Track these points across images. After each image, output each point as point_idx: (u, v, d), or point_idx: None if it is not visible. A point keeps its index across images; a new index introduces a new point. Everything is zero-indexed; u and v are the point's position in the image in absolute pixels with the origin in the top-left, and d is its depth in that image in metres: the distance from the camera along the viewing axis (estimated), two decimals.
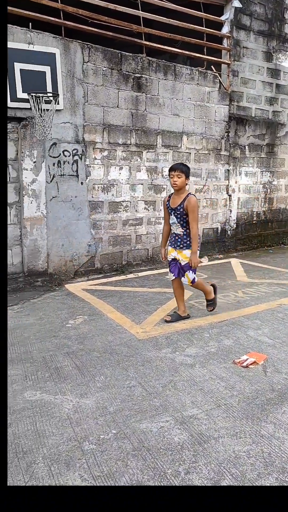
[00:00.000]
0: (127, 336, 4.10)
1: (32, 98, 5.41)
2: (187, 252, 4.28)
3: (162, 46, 7.01)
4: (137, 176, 6.92)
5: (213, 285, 4.64)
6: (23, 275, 5.87)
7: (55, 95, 5.59)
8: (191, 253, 4.24)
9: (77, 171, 6.24)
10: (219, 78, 7.78)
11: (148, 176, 7.06)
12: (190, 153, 7.53)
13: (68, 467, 2.33)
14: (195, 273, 4.36)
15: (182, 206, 4.16)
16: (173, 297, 5.30)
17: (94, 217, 6.50)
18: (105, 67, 6.37)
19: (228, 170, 8.15)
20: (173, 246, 4.37)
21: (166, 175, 7.27)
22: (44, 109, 5.48)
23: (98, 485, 2.20)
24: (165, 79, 7.02)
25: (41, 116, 5.50)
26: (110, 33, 6.44)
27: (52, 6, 5.85)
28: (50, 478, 2.24)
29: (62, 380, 3.25)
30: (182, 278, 4.38)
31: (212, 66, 7.78)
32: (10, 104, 5.47)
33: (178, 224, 4.27)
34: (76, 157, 6.23)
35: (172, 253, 4.38)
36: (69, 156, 6.14)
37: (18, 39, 5.50)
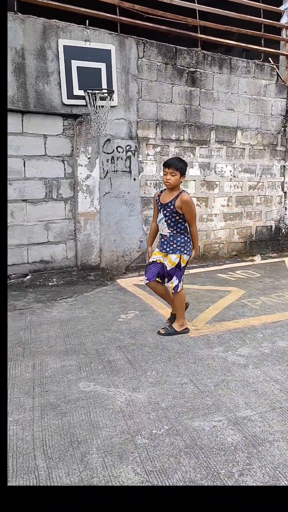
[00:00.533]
0: None
1: (88, 95, 5.50)
2: (173, 257, 3.85)
3: (217, 39, 6.88)
4: (190, 172, 6.84)
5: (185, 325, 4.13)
6: (76, 269, 6.00)
7: (110, 91, 5.65)
8: (193, 250, 3.95)
9: (130, 167, 6.28)
10: (277, 70, 7.52)
11: (201, 172, 6.97)
12: (244, 148, 7.35)
13: (121, 459, 2.35)
14: (180, 282, 3.90)
15: (173, 203, 3.77)
16: (225, 295, 5.23)
17: (146, 213, 6.52)
18: (159, 62, 6.34)
19: (284, 166, 7.88)
20: (160, 249, 3.96)
21: (219, 171, 7.15)
22: (99, 106, 5.56)
23: (149, 480, 2.20)
24: (220, 73, 6.89)
25: (96, 112, 5.58)
26: (165, 27, 6.41)
27: (108, 2, 5.91)
28: (104, 469, 2.27)
29: (114, 373, 3.28)
30: (167, 284, 3.97)
31: (269, 58, 7.54)
32: (66, 101, 5.60)
33: (165, 224, 3.85)
34: (129, 153, 6.27)
35: (157, 255, 3.96)
36: (122, 152, 6.19)
37: (75, 37, 5.60)
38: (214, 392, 3.02)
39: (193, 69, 6.64)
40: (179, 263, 3.85)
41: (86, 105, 5.60)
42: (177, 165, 3.72)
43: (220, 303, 4.93)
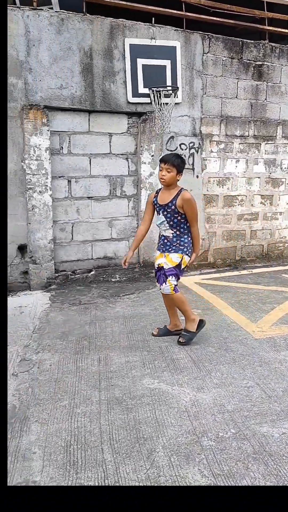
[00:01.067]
0: (242, 334, 3.99)
1: (153, 93, 5.51)
2: (173, 256, 3.59)
3: (286, 30, 6.61)
4: (254, 169, 6.66)
5: (201, 320, 3.83)
6: (138, 266, 6.05)
7: (175, 88, 5.62)
8: (193, 253, 3.66)
9: (193, 164, 6.22)
10: None
11: (266, 169, 6.75)
12: None
13: (187, 460, 2.33)
14: (177, 281, 3.63)
15: (173, 203, 3.52)
16: None
17: (208, 211, 6.43)
18: (225, 56, 6.21)
19: None
20: (161, 250, 3.69)
21: (285, 168, 6.89)
22: (163, 103, 5.55)
23: (216, 483, 2.16)
24: None
25: (160, 110, 5.58)
26: (232, 21, 6.26)
27: None
28: (170, 469, 2.26)
29: (178, 372, 3.27)
30: (163, 285, 3.62)
31: None
32: (131, 99, 5.64)
33: (167, 225, 3.60)
34: (192, 150, 6.21)
35: (160, 260, 3.67)
36: (185, 149, 6.15)
37: (141, 35, 5.62)
38: (282, 397, 2.91)
39: (260, 63, 6.44)
40: (179, 264, 3.59)
41: (150, 103, 5.61)
42: (173, 161, 3.48)
43: (286, 305, 4.75)
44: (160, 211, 3.61)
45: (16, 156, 5.22)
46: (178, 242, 3.60)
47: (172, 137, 6.00)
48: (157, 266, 3.68)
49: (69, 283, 5.54)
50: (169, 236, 3.63)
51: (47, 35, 5.17)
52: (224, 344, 3.77)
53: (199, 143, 6.22)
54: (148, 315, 4.48)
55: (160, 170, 3.54)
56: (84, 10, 5.35)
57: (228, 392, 2.99)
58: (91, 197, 5.75)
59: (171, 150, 6.01)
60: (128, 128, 5.84)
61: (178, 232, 3.60)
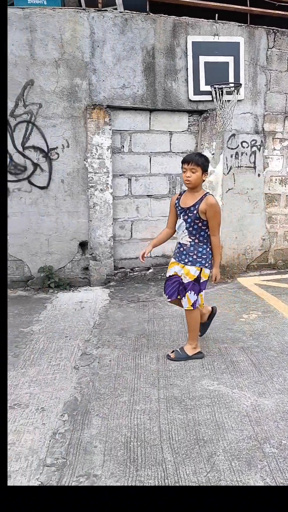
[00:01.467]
0: None
1: (215, 90, 5.43)
2: (191, 269, 3.30)
3: None
4: None
5: (200, 352, 3.50)
6: None
7: (238, 85, 5.50)
8: (214, 267, 3.34)
9: (254, 162, 6.06)
10: None
11: None
12: None
13: (249, 466, 2.27)
14: (198, 298, 3.37)
15: (196, 207, 3.23)
16: None
17: (269, 211, 6.24)
18: None
19: None
20: (177, 259, 3.42)
21: None
22: (225, 100, 5.45)
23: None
24: None
25: (222, 107, 5.49)
26: None
27: None
28: (231, 473, 2.22)
29: (238, 375, 3.20)
30: (183, 299, 3.37)
31: None
32: (193, 97, 5.59)
33: (185, 231, 3.32)
34: (254, 148, 6.05)
35: (174, 267, 3.42)
36: (247, 147, 6.00)
37: (204, 32, 5.55)
38: None
39: None
40: (198, 277, 3.32)
41: (212, 100, 5.54)
42: (197, 160, 3.18)
43: None
44: (181, 215, 3.34)
45: (79, 155, 5.36)
46: (195, 252, 3.30)
47: (233, 134, 5.88)
48: (169, 275, 3.44)
49: (127, 280, 5.61)
50: (186, 245, 3.35)
51: (111, 35, 5.25)
52: (287, 349, 3.64)
53: (262, 141, 6.04)
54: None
55: (184, 172, 3.23)
56: (147, 10, 5.38)
57: None
58: (151, 195, 5.77)
59: (232, 148, 5.90)
60: (188, 126, 5.80)
61: (196, 241, 3.30)
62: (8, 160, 5.24)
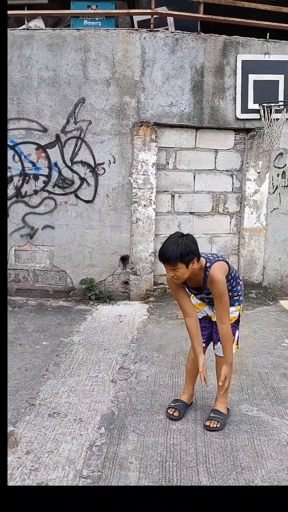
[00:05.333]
0: None
1: (263, 108, 5.40)
2: (231, 309, 2.75)
3: None
4: None
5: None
6: None
7: (287, 103, 5.44)
8: (226, 363, 2.73)
9: None
10: None
11: None
12: None
13: None
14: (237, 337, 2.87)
15: (205, 287, 2.70)
16: None
17: None
18: None
19: None
20: (202, 300, 2.93)
21: None
22: (273, 119, 5.40)
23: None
24: None
25: (270, 126, 5.43)
26: None
27: None
28: None
29: (279, 402, 3.11)
30: (218, 344, 2.86)
31: None
32: (240, 115, 5.58)
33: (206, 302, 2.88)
34: None
35: (205, 309, 2.94)
36: None
37: (254, 51, 5.56)
38: None
39: None
40: (238, 318, 2.91)
41: (259, 119, 5.49)
42: (174, 258, 2.48)
43: None
44: (194, 295, 2.90)
45: (124, 171, 5.46)
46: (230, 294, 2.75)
47: (281, 153, 5.81)
48: (201, 317, 2.92)
49: (166, 297, 5.59)
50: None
51: (161, 55, 5.36)
52: None
53: None
54: (246, 337, 4.34)
55: (168, 271, 2.62)
56: (198, 30, 5.46)
57: None
58: (193, 212, 5.78)
59: (279, 167, 5.82)
60: (234, 144, 5.78)
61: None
62: (57, 174, 5.43)
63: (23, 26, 5.39)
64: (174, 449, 2.56)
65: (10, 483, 2.24)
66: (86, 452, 2.52)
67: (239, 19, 5.55)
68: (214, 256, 2.75)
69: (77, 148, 5.39)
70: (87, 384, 3.31)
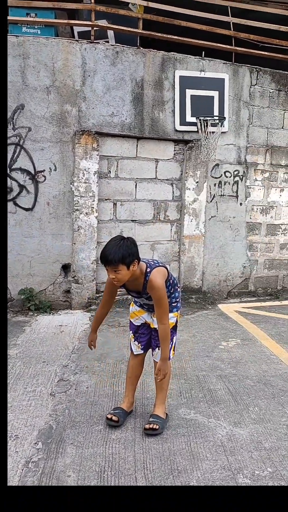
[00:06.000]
0: (283, 368, 3.89)
1: (200, 122, 5.61)
2: (169, 315, 2.81)
3: None
4: None
5: None
6: None
7: (222, 118, 5.70)
8: (162, 359, 2.74)
9: (237, 192, 6.23)
10: None
11: None
12: None
13: None
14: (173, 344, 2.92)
15: (145, 292, 2.77)
16: None
17: (250, 239, 6.38)
18: (272, 89, 6.26)
19: None
20: (141, 307, 2.99)
21: None
22: (210, 132, 5.63)
23: None
24: None
25: (206, 138, 5.66)
26: (281, 55, 6.33)
27: (224, 33, 6.02)
28: None
29: (215, 404, 3.22)
30: (156, 350, 2.89)
31: None
32: (179, 127, 5.77)
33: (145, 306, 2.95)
34: (236, 178, 6.23)
35: (144, 316, 2.97)
36: (230, 177, 6.17)
37: (191, 67, 5.78)
38: None
39: None
40: (176, 324, 2.97)
41: (197, 131, 5.71)
42: (115, 259, 2.53)
43: None
44: (133, 298, 2.98)
45: (65, 179, 5.44)
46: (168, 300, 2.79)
47: (217, 164, 6.06)
48: (139, 323, 2.98)
49: None
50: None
51: (102, 66, 5.41)
52: (263, 378, 3.69)
53: (244, 171, 6.23)
54: (186, 341, 4.46)
55: (109, 273, 2.64)
56: (138, 44, 5.58)
57: (266, 429, 2.91)
58: (135, 220, 5.86)
59: (215, 177, 6.06)
60: (174, 154, 5.95)
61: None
62: None
63: None
64: (113, 458, 2.57)
65: None
66: (22, 470, 2.46)
67: (176, 37, 5.75)
68: (155, 262, 2.82)
69: (15, 155, 5.29)
70: (23, 399, 3.23)
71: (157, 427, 2.81)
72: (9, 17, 5.42)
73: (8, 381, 3.50)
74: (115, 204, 5.77)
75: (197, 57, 5.80)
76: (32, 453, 2.60)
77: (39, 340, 4.42)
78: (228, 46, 5.99)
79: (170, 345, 2.81)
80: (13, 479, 2.38)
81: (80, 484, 2.35)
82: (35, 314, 5.23)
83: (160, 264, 2.82)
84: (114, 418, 2.87)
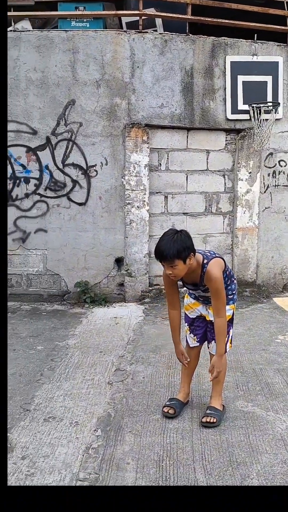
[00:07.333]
0: None
1: (253, 109, 5.44)
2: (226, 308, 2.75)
3: None
4: None
5: None
6: None
7: (276, 104, 5.49)
8: (217, 354, 2.72)
9: None
10: None
11: None
12: None
13: None
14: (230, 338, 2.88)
15: (202, 284, 2.71)
16: None
17: None
18: None
19: None
20: (197, 299, 2.93)
21: None
22: (263, 119, 5.44)
23: None
24: None
25: (259, 126, 5.48)
26: None
27: (278, 14, 5.78)
28: None
29: (273, 397, 3.13)
30: (213, 342, 2.86)
31: None
32: (230, 116, 5.63)
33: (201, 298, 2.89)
34: None
35: (199, 309, 2.92)
36: (285, 166, 5.94)
37: (243, 52, 5.60)
38: None
39: None
40: (232, 317, 2.92)
41: (249, 119, 5.53)
42: (171, 255, 2.48)
43: None
44: (189, 291, 2.92)
45: (116, 172, 5.48)
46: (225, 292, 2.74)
47: (271, 153, 5.85)
48: (195, 316, 2.95)
49: (162, 298, 5.60)
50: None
51: (151, 56, 5.38)
52: None
53: None
54: (241, 334, 4.36)
55: (166, 269, 2.61)
56: (187, 31, 5.49)
57: None
58: (187, 213, 5.80)
59: (269, 167, 5.86)
60: (226, 144, 5.82)
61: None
62: (49, 177, 5.43)
63: (10, 28, 5.40)
64: (171, 448, 2.57)
65: None
66: (83, 455, 2.51)
67: (227, 21, 5.60)
68: (211, 252, 2.77)
69: (68, 151, 5.41)
70: (82, 387, 3.31)
71: (215, 420, 2.77)
72: (58, 12, 5.53)
73: (67, 370, 3.61)
74: (166, 197, 5.74)
75: (249, 40, 5.61)
76: (92, 440, 2.65)
77: (96, 331, 4.51)
78: (282, 27, 5.75)
79: (226, 339, 2.77)
80: (74, 464, 2.43)
81: (139, 472, 2.36)
82: (91, 307, 5.34)
83: (217, 255, 2.76)
84: (170, 411, 2.87)
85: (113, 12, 5.70)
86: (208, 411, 2.83)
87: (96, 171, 5.46)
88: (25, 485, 2.26)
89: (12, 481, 2.30)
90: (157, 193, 5.69)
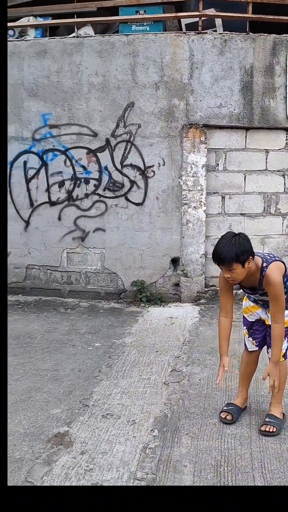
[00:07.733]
0: None
1: None
2: (285, 313, 2.64)
3: None
4: None
5: None
6: None
7: None
8: (272, 361, 2.64)
9: None
10: None
11: None
12: None
13: None
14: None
15: (260, 288, 2.64)
16: None
17: None
18: None
19: None
20: (256, 303, 2.87)
21: None
22: None
23: None
24: None
25: None
26: None
27: None
28: None
29: None
30: (269, 350, 2.78)
31: None
32: None
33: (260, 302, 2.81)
34: None
35: (258, 312, 2.85)
36: None
37: None
38: None
39: None
40: None
41: None
42: (231, 259, 2.44)
43: None
44: (247, 295, 2.87)
45: (173, 173, 5.49)
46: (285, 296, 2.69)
47: None
48: (254, 319, 2.89)
49: (217, 299, 5.51)
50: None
51: (210, 56, 5.33)
52: None
53: None
54: None
55: (224, 273, 2.57)
56: (247, 30, 5.38)
57: None
58: (244, 213, 5.69)
59: None
60: (286, 144, 5.64)
61: None
62: (107, 177, 5.55)
63: (73, 34, 5.57)
64: (229, 454, 2.55)
65: (66, 482, 2.29)
66: (140, 454, 2.55)
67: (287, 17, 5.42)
68: (271, 255, 2.70)
69: (126, 152, 5.49)
70: (139, 386, 3.36)
71: (274, 429, 2.71)
72: (119, 17, 5.62)
73: (124, 368, 3.68)
74: (223, 197, 5.67)
75: None
76: (148, 440, 2.68)
77: (151, 330, 4.56)
78: None
79: (285, 346, 2.68)
80: (132, 463, 2.48)
81: (197, 476, 2.36)
82: (147, 306, 5.40)
83: (277, 258, 2.69)
84: (228, 417, 2.84)
85: (173, 15, 5.70)
86: (267, 419, 2.77)
87: (153, 171, 5.50)
88: (80, 485, 2.32)
89: (72, 475, 2.37)
90: (214, 193, 5.63)
